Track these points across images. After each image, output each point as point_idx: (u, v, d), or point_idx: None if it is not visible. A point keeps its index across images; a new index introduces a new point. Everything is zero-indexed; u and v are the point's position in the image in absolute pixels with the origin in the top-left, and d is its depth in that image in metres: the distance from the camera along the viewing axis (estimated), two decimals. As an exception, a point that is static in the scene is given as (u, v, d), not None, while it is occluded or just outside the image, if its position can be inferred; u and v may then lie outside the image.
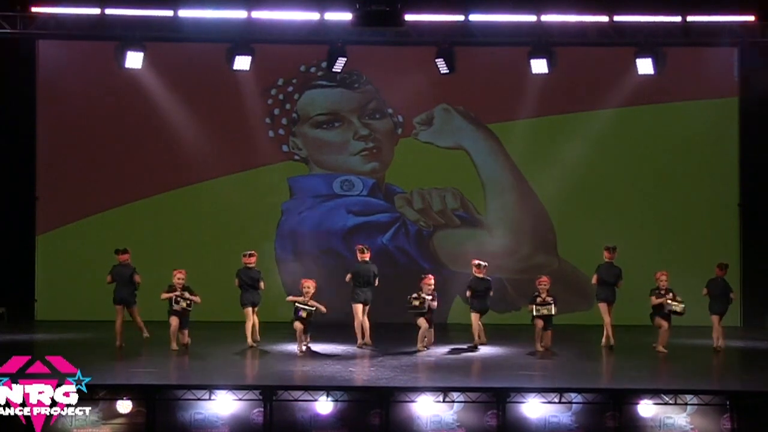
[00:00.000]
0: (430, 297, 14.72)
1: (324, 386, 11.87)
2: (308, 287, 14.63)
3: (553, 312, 14.70)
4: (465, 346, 15.02)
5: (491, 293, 15.35)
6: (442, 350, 14.86)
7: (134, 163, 18.42)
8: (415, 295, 14.72)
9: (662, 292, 14.69)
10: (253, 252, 15.20)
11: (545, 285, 14.84)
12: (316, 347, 14.79)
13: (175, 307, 14.43)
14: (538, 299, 14.74)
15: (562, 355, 14.62)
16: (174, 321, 14.47)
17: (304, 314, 14.49)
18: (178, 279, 14.54)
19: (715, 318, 15.10)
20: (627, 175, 18.53)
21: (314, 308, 14.47)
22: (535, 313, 14.72)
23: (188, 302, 14.46)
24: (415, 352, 14.58)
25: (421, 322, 14.75)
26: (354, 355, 14.42)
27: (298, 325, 14.53)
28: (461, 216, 18.70)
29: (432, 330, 14.98)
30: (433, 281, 14.90)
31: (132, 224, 18.23)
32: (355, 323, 15.09)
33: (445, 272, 18.28)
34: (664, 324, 14.68)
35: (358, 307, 15.05)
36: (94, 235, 18.31)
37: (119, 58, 16.86)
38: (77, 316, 17.71)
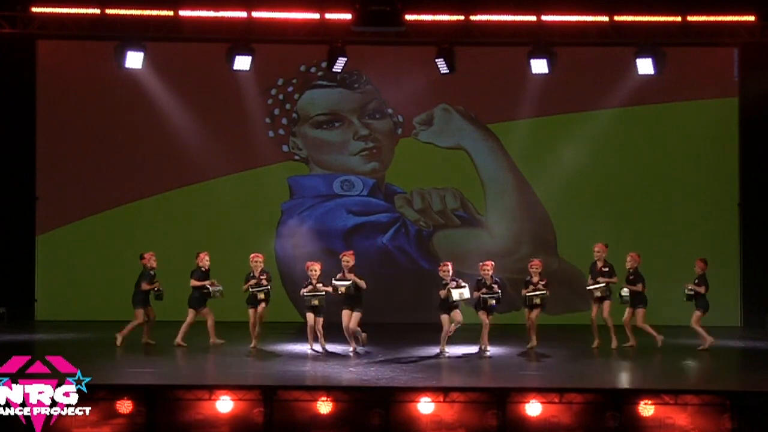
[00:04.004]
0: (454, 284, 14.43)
1: (324, 386, 11.87)
2: (315, 270, 14.63)
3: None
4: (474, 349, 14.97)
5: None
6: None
7: (134, 163, 18.43)
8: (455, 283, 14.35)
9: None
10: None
11: (537, 269, 14.94)
12: (318, 347, 14.74)
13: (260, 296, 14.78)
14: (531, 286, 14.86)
15: (563, 355, 14.61)
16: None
17: (316, 302, 14.46)
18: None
19: (700, 315, 15.02)
20: (627, 175, 18.53)
21: (324, 294, 14.43)
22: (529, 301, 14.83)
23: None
24: (438, 354, 14.37)
25: (446, 318, 14.42)
26: (354, 355, 14.39)
27: (310, 317, 14.52)
28: (461, 216, 18.71)
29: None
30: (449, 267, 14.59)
31: (132, 224, 18.25)
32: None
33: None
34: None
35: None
36: (94, 235, 18.33)
37: (119, 58, 16.87)
38: (77, 316, 17.74)
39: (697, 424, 11.43)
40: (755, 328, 17.60)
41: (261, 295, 14.79)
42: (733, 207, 18.41)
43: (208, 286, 14.97)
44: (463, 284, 14.36)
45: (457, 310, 14.38)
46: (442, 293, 14.30)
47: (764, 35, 17.06)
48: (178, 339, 14.91)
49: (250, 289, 14.82)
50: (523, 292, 15.00)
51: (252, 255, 15.03)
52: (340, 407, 11.50)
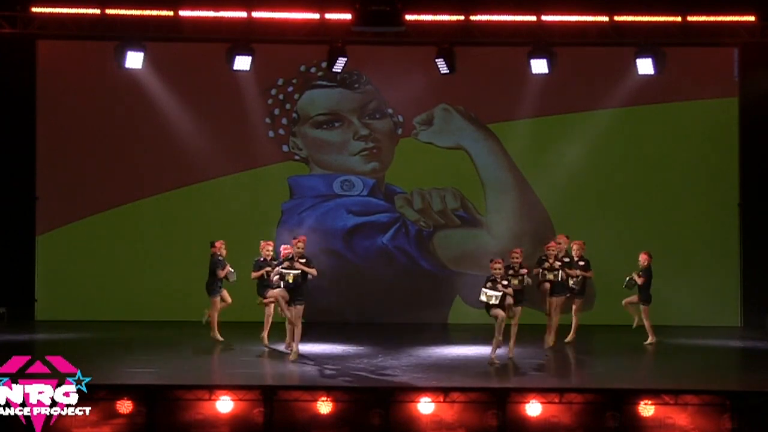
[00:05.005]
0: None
1: (324, 386, 11.88)
2: (268, 250, 14.36)
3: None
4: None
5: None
6: (442, 350, 14.84)
7: (134, 163, 18.42)
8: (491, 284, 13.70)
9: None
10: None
11: (553, 250, 14.70)
12: (318, 347, 14.75)
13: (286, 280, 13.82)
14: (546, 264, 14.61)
15: (562, 355, 14.62)
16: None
17: (290, 279, 13.68)
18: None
19: (646, 308, 15.03)
20: (627, 175, 18.52)
21: (299, 271, 13.63)
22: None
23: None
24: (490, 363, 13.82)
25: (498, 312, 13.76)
26: (354, 355, 14.40)
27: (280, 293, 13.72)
28: (461, 216, 18.70)
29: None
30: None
31: (132, 224, 18.24)
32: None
33: (445, 272, 18.31)
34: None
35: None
36: (94, 235, 18.31)
37: (119, 58, 16.86)
38: (77, 316, 17.72)
39: (697, 424, 11.44)
40: (755, 328, 17.58)
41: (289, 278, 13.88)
42: (733, 207, 18.40)
43: (270, 273, 14.43)
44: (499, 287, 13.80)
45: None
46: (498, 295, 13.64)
47: (764, 35, 17.06)
48: (263, 334, 14.88)
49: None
50: (537, 270, 14.60)
51: (294, 239, 14.30)
52: (340, 407, 11.52)
